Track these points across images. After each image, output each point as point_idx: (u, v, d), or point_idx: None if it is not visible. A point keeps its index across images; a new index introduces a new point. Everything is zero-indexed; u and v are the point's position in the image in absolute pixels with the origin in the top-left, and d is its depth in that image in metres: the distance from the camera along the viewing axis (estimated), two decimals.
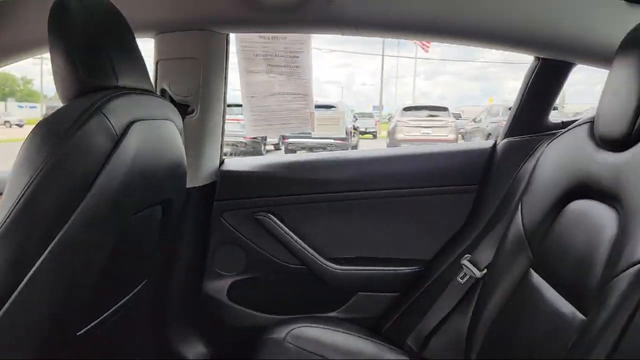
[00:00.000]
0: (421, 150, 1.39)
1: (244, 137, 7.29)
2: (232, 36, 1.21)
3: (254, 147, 8.59)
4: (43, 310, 0.72)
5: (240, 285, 1.34)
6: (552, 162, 0.97)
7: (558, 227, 0.88)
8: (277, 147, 10.22)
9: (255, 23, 1.14)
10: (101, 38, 0.79)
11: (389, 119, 13.29)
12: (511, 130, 1.25)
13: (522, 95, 1.24)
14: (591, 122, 0.85)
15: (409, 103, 13.54)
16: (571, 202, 0.86)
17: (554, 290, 0.82)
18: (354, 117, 13.60)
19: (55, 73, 0.77)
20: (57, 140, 0.67)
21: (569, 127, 0.95)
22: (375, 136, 16.24)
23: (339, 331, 1.15)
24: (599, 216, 0.77)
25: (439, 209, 1.27)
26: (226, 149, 1.37)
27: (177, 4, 1.08)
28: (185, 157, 1.00)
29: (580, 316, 0.72)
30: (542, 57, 1.17)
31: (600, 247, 0.73)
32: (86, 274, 0.76)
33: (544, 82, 1.20)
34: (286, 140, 9.07)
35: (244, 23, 1.15)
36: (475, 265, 1.13)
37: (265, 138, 8.60)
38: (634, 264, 0.63)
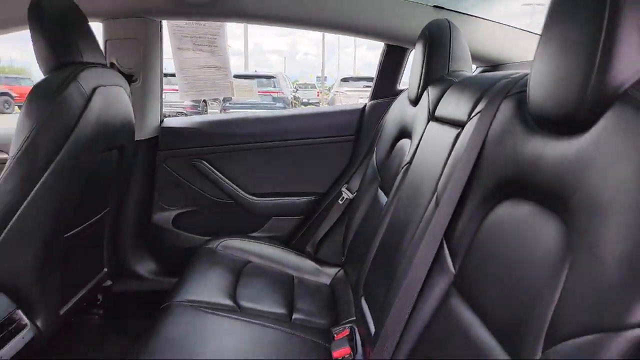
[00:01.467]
0: (316, 110, 1.82)
1: (184, 108, 7.46)
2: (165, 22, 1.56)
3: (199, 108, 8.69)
4: (42, 218, 1.07)
5: (183, 216, 1.74)
6: (392, 117, 1.44)
7: (390, 158, 1.35)
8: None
9: (180, 13, 1.50)
10: (69, 27, 1.12)
11: (329, 90, 13.75)
12: (374, 95, 1.73)
13: (379, 69, 1.71)
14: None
15: (349, 74, 14.00)
16: (398, 141, 1.33)
17: (384, 196, 1.29)
18: (295, 87, 13.87)
19: (37, 53, 1.10)
20: (48, 100, 1.02)
21: (403, 91, 1.43)
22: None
23: (259, 242, 1.59)
24: (405, 147, 1.24)
25: (328, 154, 1.72)
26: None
27: None
28: (132, 114, 1.36)
29: None
30: (386, 43, 1.64)
31: (403, 163, 1.20)
32: (71, 193, 1.12)
33: (391, 60, 1.68)
34: (227, 111, 9.25)
35: (171, 13, 1.50)
36: (349, 190, 1.60)
37: (206, 108, 8.73)
38: (403, 167, 1.10)
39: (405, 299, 0.78)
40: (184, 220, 1.74)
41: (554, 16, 0.55)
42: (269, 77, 9.98)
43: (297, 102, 12.25)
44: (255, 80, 9.46)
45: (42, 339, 1.13)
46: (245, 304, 1.24)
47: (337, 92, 10.97)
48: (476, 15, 1.46)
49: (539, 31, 0.60)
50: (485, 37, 1.49)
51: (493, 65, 1.58)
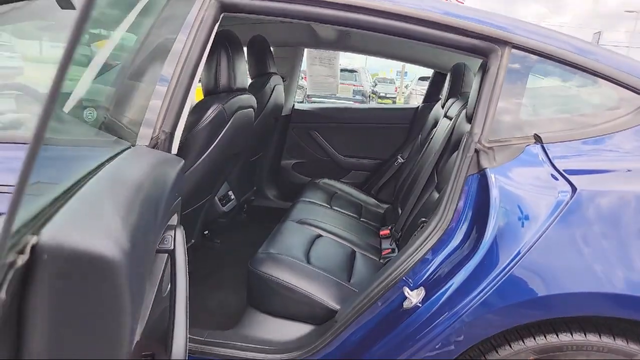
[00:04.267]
0: (387, 106, 2.83)
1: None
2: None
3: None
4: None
5: (299, 165, 2.85)
6: (432, 114, 2.42)
7: (428, 137, 2.33)
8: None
9: (315, 45, 2.59)
10: (264, 53, 2.24)
11: (406, 87, 14.49)
12: (425, 100, 2.71)
13: (429, 86, 2.69)
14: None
15: (426, 73, 14.53)
16: (433, 128, 2.31)
17: (420, 162, 2.29)
18: (375, 81, 14.73)
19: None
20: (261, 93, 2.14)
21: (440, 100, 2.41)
22: (394, 102, 17.34)
23: (343, 183, 2.65)
24: (434, 132, 2.22)
25: (391, 134, 2.73)
26: None
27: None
28: (283, 101, 2.46)
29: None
30: (435, 70, 2.61)
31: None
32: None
33: (437, 80, 2.64)
34: (310, 100, 10.45)
35: (310, 45, 2.61)
36: (402, 157, 2.61)
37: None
38: (428, 140, 2.10)
39: (414, 198, 1.81)
40: (299, 167, 2.85)
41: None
42: (351, 71, 11.04)
43: (374, 95, 13.11)
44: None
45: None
46: (335, 207, 2.30)
47: (413, 89, 11.71)
48: None
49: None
50: None
51: None
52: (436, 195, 1.68)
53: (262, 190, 2.82)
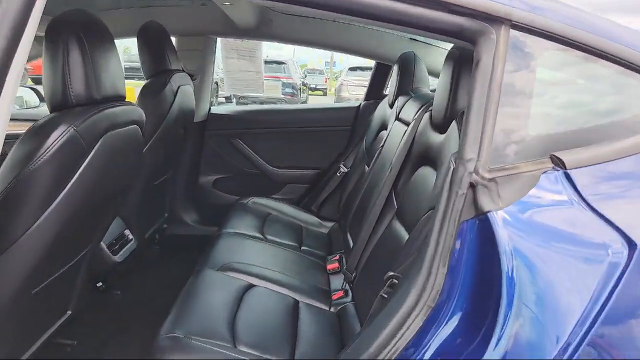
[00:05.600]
0: (324, 106, 2.43)
1: None
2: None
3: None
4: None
5: (221, 181, 2.35)
6: (377, 114, 2.03)
7: (375, 143, 1.94)
8: (228, 100, 11.02)
9: (231, 34, 2.09)
10: (163, 44, 1.71)
11: (336, 78, 14.26)
12: (367, 97, 2.33)
13: (371, 80, 2.30)
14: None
15: (356, 63, 14.47)
16: (380, 132, 1.93)
17: (371, 174, 1.89)
18: (304, 73, 14.35)
19: (142, 62, 1.68)
20: (153, 97, 1.61)
21: (385, 97, 2.03)
22: (325, 93, 17.10)
23: (277, 200, 2.19)
24: (383, 135, 1.83)
25: (330, 139, 2.32)
26: None
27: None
28: (194, 104, 1.95)
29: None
30: (377, 61, 2.23)
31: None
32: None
33: (380, 73, 2.27)
34: (236, 95, 9.82)
35: (225, 33, 2.09)
36: (345, 166, 2.20)
37: (217, 93, 9.31)
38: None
39: (369, 227, 1.41)
40: (221, 184, 2.35)
41: (441, 74, 1.19)
42: (279, 63, 10.52)
43: (305, 87, 12.73)
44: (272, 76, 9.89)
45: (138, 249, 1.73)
46: (269, 236, 1.85)
47: (344, 81, 11.47)
48: (436, 45, 2.06)
49: None
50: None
51: None
52: (398, 226, 1.29)
53: (177, 216, 2.28)
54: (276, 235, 1.86)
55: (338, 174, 2.22)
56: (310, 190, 2.35)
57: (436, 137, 1.18)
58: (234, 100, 10.24)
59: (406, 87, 1.76)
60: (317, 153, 2.34)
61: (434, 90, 1.31)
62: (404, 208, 1.30)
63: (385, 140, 1.67)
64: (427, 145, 1.24)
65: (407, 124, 1.49)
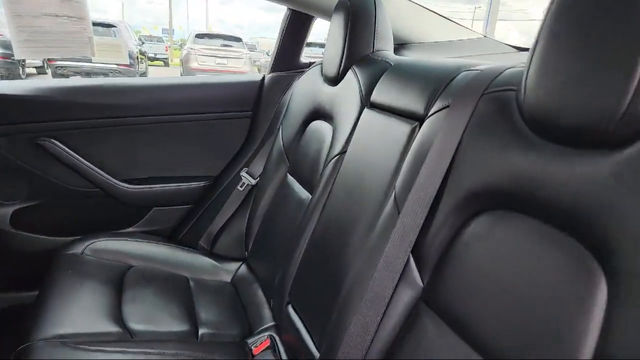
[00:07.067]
0: (202, 80, 1.55)
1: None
2: None
3: (10, 70, 7.05)
4: None
5: (24, 212, 1.32)
6: (299, 93, 1.29)
7: (303, 140, 1.21)
8: (40, 72, 8.61)
9: None
10: None
11: (181, 46, 12.54)
12: (274, 67, 1.54)
13: (280, 38, 1.52)
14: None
15: (202, 30, 12.96)
16: (310, 122, 1.20)
17: (299, 185, 1.16)
18: (140, 40, 12.30)
19: None
20: None
21: (311, 66, 1.28)
22: (167, 64, 15.18)
23: (138, 241, 1.30)
24: (323, 130, 1.12)
25: (221, 132, 1.49)
26: None
27: None
28: None
29: (309, 195, 1.07)
30: (291, 7, 1.45)
31: (323, 150, 1.08)
32: None
33: (295, 29, 1.50)
34: (53, 63, 7.67)
35: None
36: (251, 175, 1.41)
37: (24, 60, 7.09)
38: (333, 157, 0.98)
39: (369, 316, 0.69)
40: (26, 218, 1.32)
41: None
42: (108, 26, 8.49)
43: (143, 56, 10.89)
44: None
45: None
46: (137, 326, 0.99)
47: (191, 49, 10.09)
48: None
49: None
50: (400, 14, 1.42)
51: (399, 44, 1.53)
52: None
53: None
54: (149, 318, 1.02)
55: (240, 188, 1.41)
56: (192, 214, 1.50)
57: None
58: (49, 71, 8.01)
59: (363, 50, 1.06)
60: (199, 155, 1.48)
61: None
62: (440, 288, 0.63)
63: (348, 140, 0.96)
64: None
65: (411, 117, 0.80)
